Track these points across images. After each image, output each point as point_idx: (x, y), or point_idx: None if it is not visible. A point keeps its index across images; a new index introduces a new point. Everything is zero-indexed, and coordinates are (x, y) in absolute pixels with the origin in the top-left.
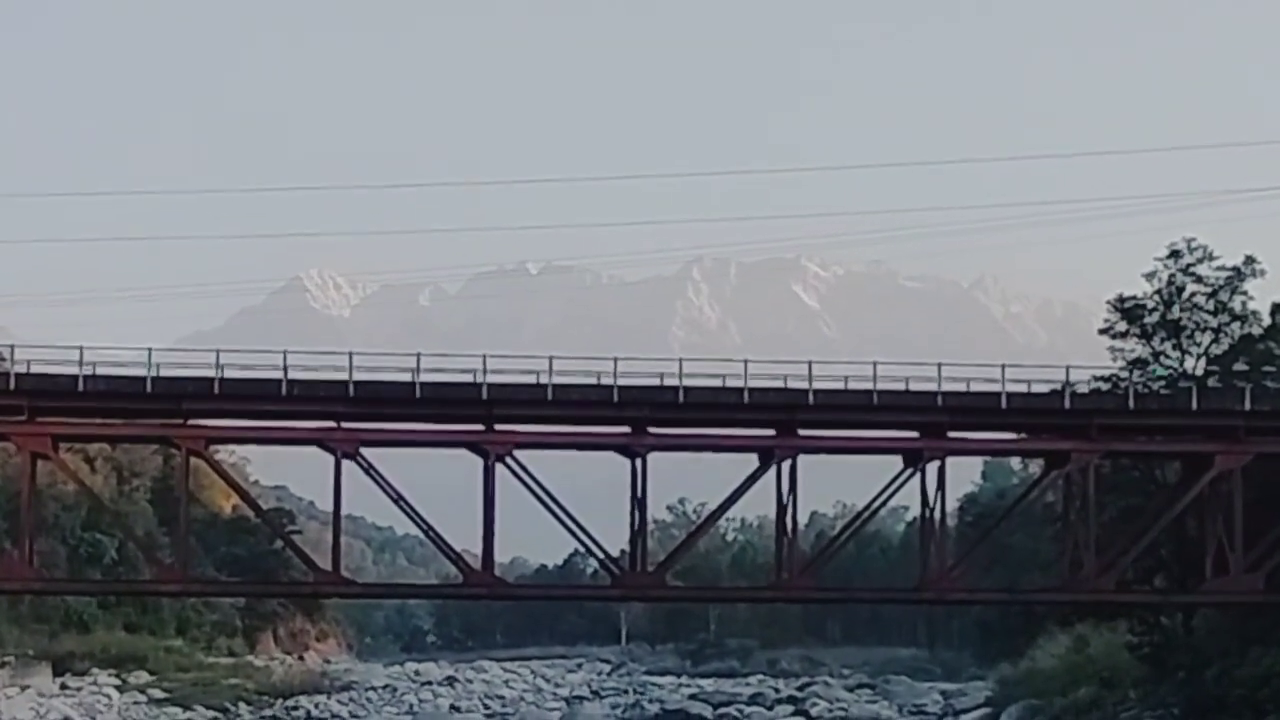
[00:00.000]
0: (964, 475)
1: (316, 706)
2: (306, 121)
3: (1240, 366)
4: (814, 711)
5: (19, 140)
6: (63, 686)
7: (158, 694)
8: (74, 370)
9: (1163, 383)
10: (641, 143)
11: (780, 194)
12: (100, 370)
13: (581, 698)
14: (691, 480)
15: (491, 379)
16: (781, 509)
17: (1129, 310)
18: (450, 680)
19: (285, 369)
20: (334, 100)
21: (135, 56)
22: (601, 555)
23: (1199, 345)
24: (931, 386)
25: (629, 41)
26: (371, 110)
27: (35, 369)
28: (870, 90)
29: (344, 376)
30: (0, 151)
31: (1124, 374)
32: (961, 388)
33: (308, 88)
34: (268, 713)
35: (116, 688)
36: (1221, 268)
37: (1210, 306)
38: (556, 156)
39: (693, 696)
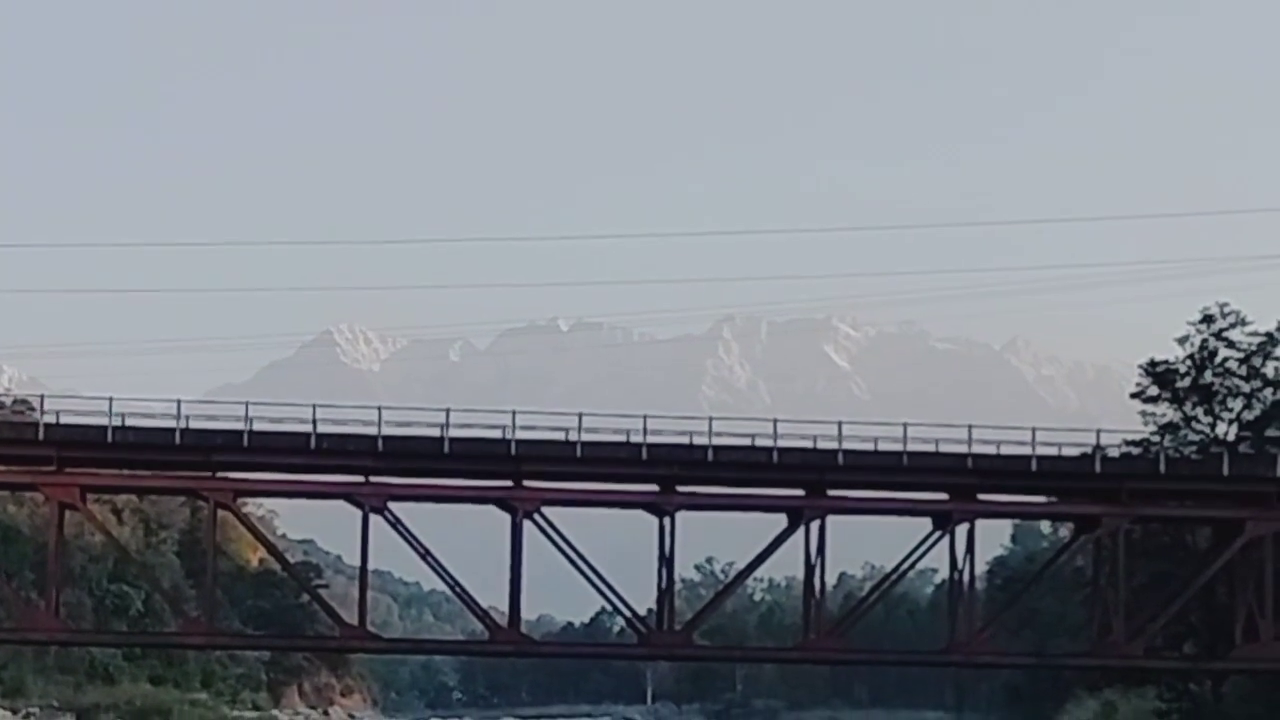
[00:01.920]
0: (993, 538)
1: None
2: (338, 176)
3: (1273, 432)
4: None
5: (48, 191)
6: None
7: None
8: (103, 421)
9: (1194, 448)
10: (673, 201)
11: (812, 253)
12: (129, 421)
13: None
14: (719, 539)
15: (520, 435)
16: (810, 569)
17: (1161, 375)
18: None
19: (314, 422)
20: (365, 155)
21: (165, 109)
22: (628, 613)
23: (1231, 410)
24: (962, 449)
25: (663, 99)
26: (402, 165)
27: (64, 420)
28: (902, 151)
29: (373, 431)
30: (29, 202)
31: (1155, 438)
32: (992, 450)
33: (340, 142)
34: None
35: None
36: (1254, 333)
37: (1243, 371)
38: (588, 214)
39: None
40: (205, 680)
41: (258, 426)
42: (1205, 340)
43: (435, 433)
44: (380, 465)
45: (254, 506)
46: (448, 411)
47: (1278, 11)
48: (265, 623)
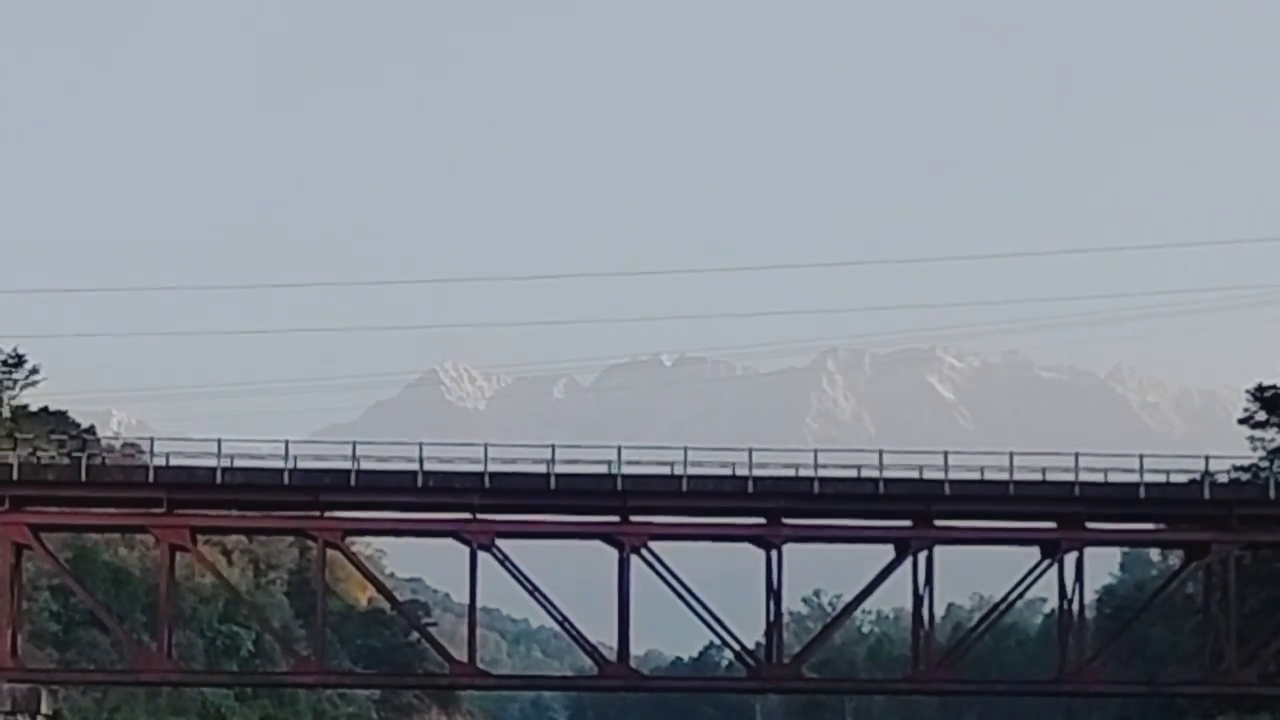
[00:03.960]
0: (1102, 566)
1: None
2: (440, 215)
3: None
4: None
5: (155, 234)
6: None
7: None
8: (212, 463)
9: None
10: (775, 234)
11: (914, 284)
12: (238, 463)
13: None
14: (827, 570)
15: (626, 470)
16: (918, 600)
17: (1269, 399)
18: None
19: (421, 461)
20: (467, 193)
21: (268, 154)
22: (737, 647)
23: None
24: (1068, 477)
25: (765, 132)
26: (504, 202)
27: (174, 462)
28: (1005, 180)
29: (479, 468)
30: (136, 246)
31: (1264, 463)
32: (1099, 478)
33: (443, 181)
34: None
35: None
36: None
37: None
38: (690, 247)
39: None
40: (316, 718)
41: (365, 465)
42: None
43: (541, 469)
44: (487, 502)
45: (362, 545)
46: (553, 448)
47: None
48: (375, 661)
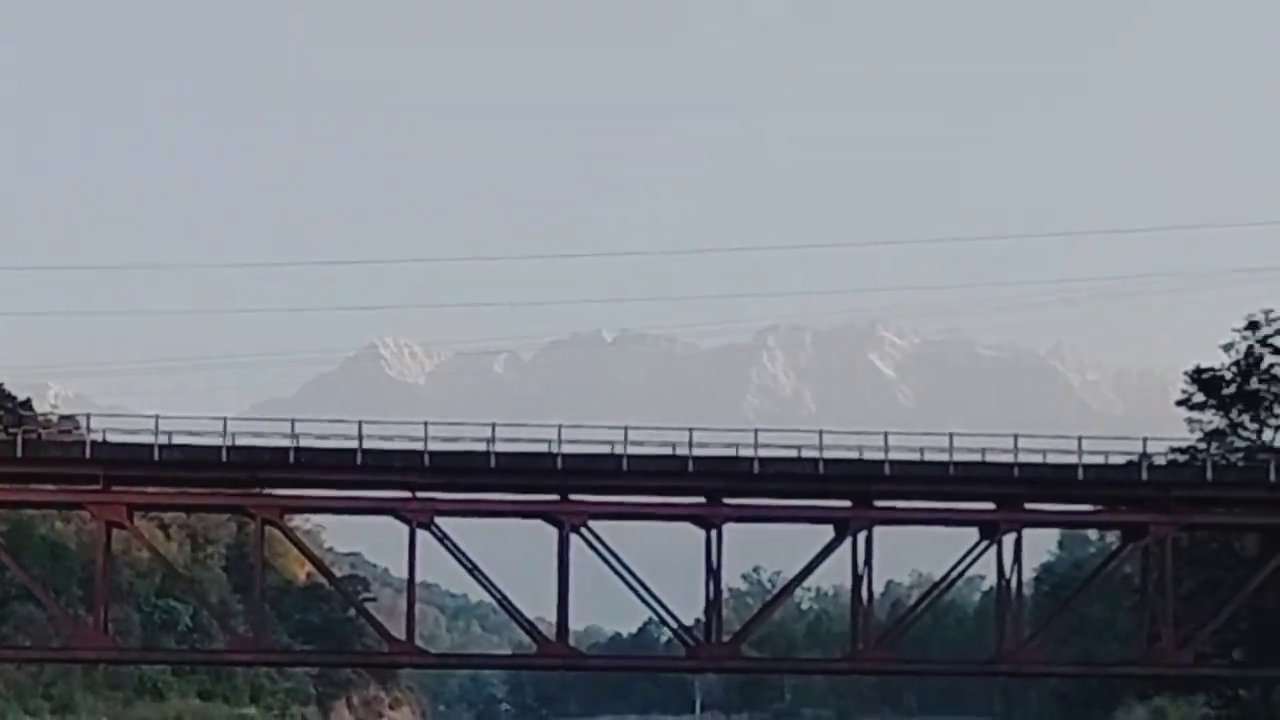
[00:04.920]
0: (1040, 545)
1: None
2: (381, 192)
3: None
4: None
5: (95, 213)
6: None
7: None
8: (149, 439)
9: (1240, 454)
10: (717, 211)
11: (856, 262)
12: (176, 439)
13: None
14: (766, 548)
15: (566, 449)
16: (857, 580)
17: (1206, 382)
18: None
19: (360, 438)
20: (409, 172)
21: (212, 132)
22: (676, 625)
23: (1277, 417)
24: (1008, 458)
25: (706, 111)
26: (444, 181)
27: (111, 438)
28: (948, 161)
29: (419, 446)
30: (78, 225)
31: (1202, 446)
32: (1038, 459)
33: (384, 159)
34: None
35: None
36: None
37: None
38: (632, 225)
39: None
40: (254, 695)
41: (304, 443)
42: (1251, 347)
43: (481, 447)
44: (427, 480)
45: (300, 520)
46: (494, 426)
47: None
48: (313, 636)
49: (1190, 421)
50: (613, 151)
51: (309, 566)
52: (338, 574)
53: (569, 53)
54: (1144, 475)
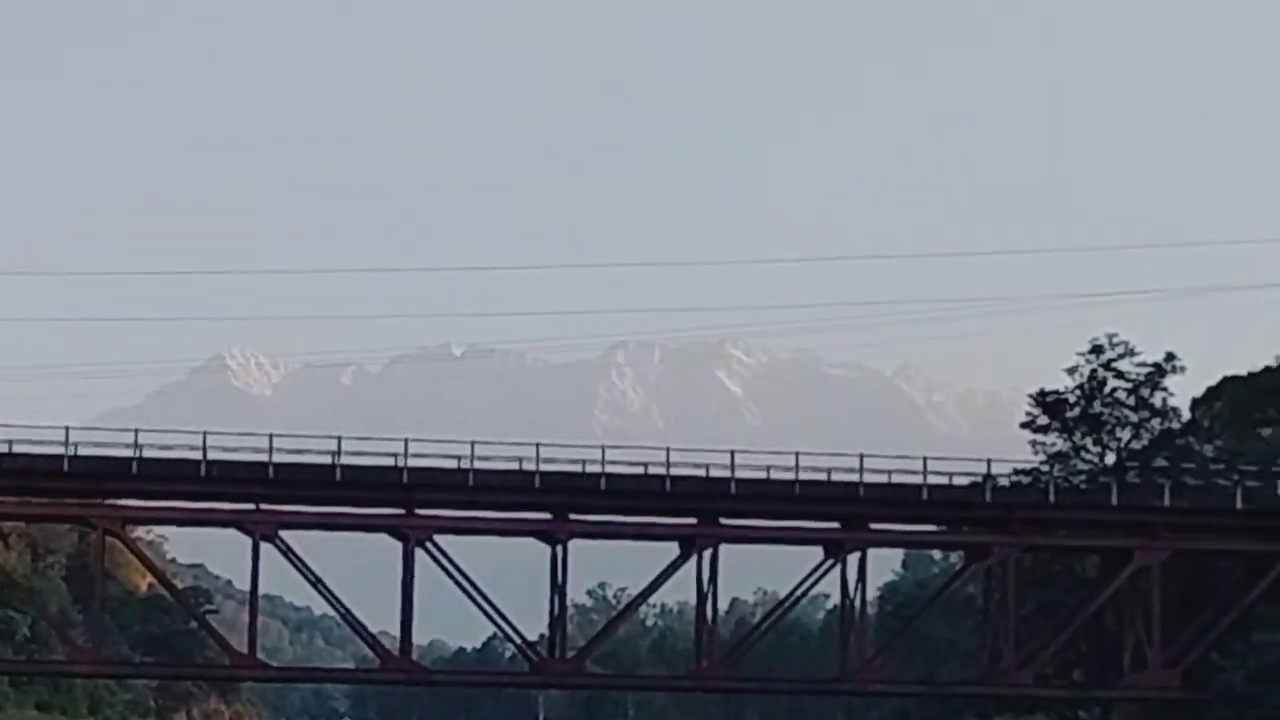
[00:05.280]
0: (885, 563)
1: None
2: (231, 202)
3: (1160, 462)
4: None
5: None
6: None
7: None
8: None
9: (1083, 477)
10: (568, 228)
11: (705, 281)
12: (17, 448)
13: None
14: (612, 564)
15: (413, 463)
16: (702, 597)
17: (1050, 404)
18: None
19: (205, 450)
20: (257, 181)
21: (58, 137)
22: (520, 641)
23: (1119, 440)
24: (853, 477)
25: (559, 126)
26: (295, 192)
27: None
28: (795, 182)
29: (264, 458)
30: None
31: (1045, 468)
32: (883, 479)
33: (233, 169)
34: None
35: None
36: (1142, 364)
37: (1131, 402)
38: (482, 240)
39: None
40: (92, 707)
41: (148, 454)
42: (1094, 370)
43: (327, 460)
44: (271, 493)
45: (143, 531)
46: (339, 439)
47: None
48: (154, 648)
49: (1034, 444)
50: (463, 165)
51: (151, 578)
52: (180, 586)
53: (423, 62)
54: (988, 496)
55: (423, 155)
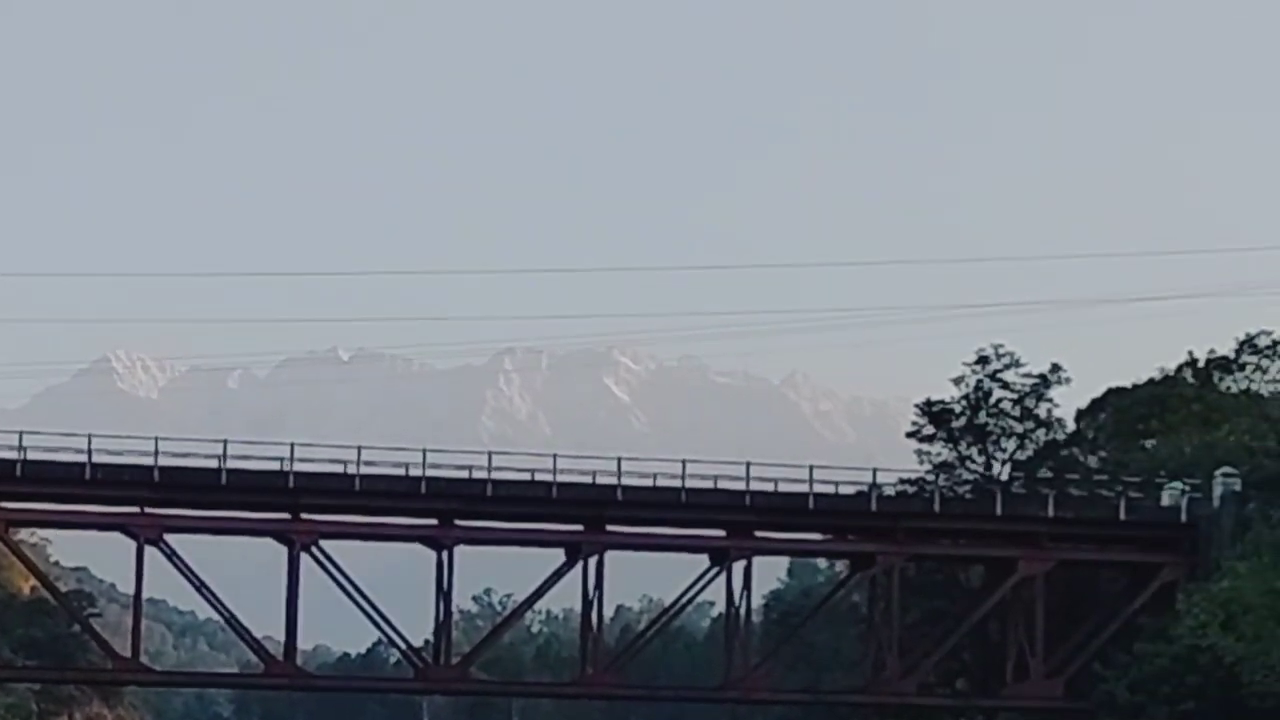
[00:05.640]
0: (770, 571)
1: None
2: (120, 204)
3: (1045, 473)
4: None
5: None
6: None
7: None
8: None
9: (968, 487)
10: (457, 234)
11: (593, 288)
12: None
13: None
14: (498, 570)
15: (299, 467)
16: (587, 604)
17: (936, 414)
18: None
19: (89, 452)
20: (147, 185)
21: None
22: (405, 647)
23: (1004, 450)
24: (740, 485)
25: (455, 131)
26: (184, 195)
27: None
28: (688, 191)
29: (149, 461)
30: None
31: (931, 477)
32: (769, 487)
33: (117, 168)
34: None
35: None
36: (1028, 375)
37: (1016, 412)
38: (371, 245)
39: None
40: None
41: (32, 456)
42: (980, 381)
43: (213, 464)
44: (156, 496)
45: (27, 534)
46: (225, 443)
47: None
48: (37, 652)
49: (920, 453)
50: (350, 169)
51: (34, 580)
52: (63, 589)
53: (316, 70)
54: (873, 505)
55: (313, 157)
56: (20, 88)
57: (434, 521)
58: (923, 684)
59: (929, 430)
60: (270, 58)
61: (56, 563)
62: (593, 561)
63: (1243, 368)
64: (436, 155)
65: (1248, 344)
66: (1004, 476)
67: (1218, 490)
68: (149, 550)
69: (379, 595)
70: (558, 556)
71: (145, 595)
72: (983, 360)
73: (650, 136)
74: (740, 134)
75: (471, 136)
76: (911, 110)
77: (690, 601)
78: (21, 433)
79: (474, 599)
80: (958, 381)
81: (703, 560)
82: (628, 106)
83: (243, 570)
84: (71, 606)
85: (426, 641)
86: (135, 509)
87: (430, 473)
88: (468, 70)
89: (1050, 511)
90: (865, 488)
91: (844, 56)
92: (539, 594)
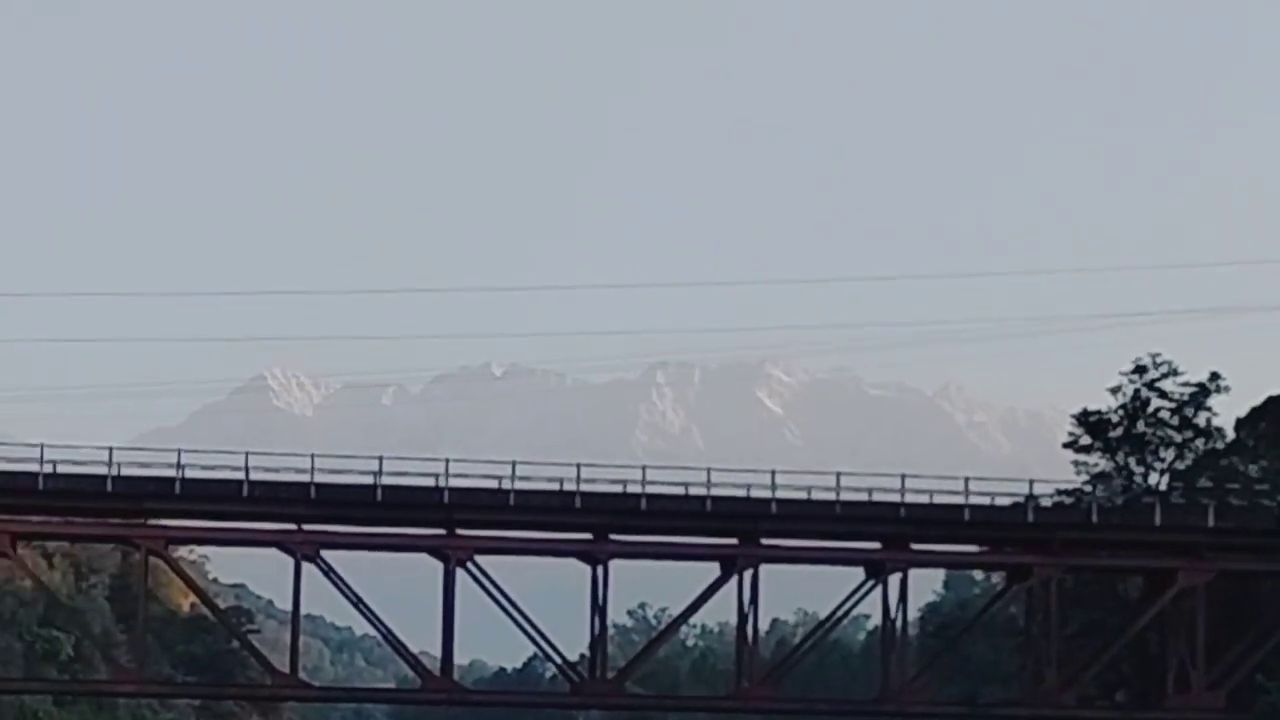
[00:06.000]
0: (926, 584)
1: None
2: (273, 222)
3: (1204, 483)
4: None
5: None
6: None
7: None
8: (34, 468)
9: (1126, 497)
10: (608, 247)
11: (745, 300)
12: (61, 469)
13: None
14: (653, 584)
15: (454, 483)
16: (743, 618)
17: (1093, 424)
18: None
19: (247, 470)
20: (301, 204)
21: (110, 157)
22: (560, 661)
23: (1163, 460)
24: (895, 497)
25: (598, 147)
26: (337, 213)
27: None
28: (839, 201)
29: (306, 478)
30: None
31: (1087, 488)
32: (925, 499)
33: (275, 189)
34: None
35: None
36: (1186, 383)
37: (1174, 422)
38: (524, 261)
39: None
40: None
41: (190, 474)
42: (1138, 390)
43: (368, 480)
44: (313, 513)
45: (185, 551)
46: (380, 459)
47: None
48: (197, 668)
49: (1076, 464)
50: (503, 188)
51: (193, 597)
52: (222, 605)
53: (456, 83)
54: (1030, 517)
55: (467, 175)
56: (176, 112)
57: (588, 536)
58: (1082, 696)
59: (1086, 441)
60: (416, 69)
61: (215, 580)
62: (747, 575)
63: None
64: (589, 170)
65: None
66: (1162, 487)
67: None
68: (306, 566)
69: (534, 610)
70: (712, 570)
71: (303, 611)
72: (1140, 369)
73: (800, 149)
74: (892, 145)
75: (628, 150)
76: (1063, 121)
77: (846, 615)
78: (180, 450)
79: (629, 613)
80: (1114, 391)
81: (858, 573)
82: (774, 120)
83: (398, 586)
84: (230, 623)
85: (582, 656)
86: (292, 526)
87: (584, 487)
88: (625, 80)
89: (1210, 522)
90: (1021, 499)
91: (985, 61)
92: (694, 608)
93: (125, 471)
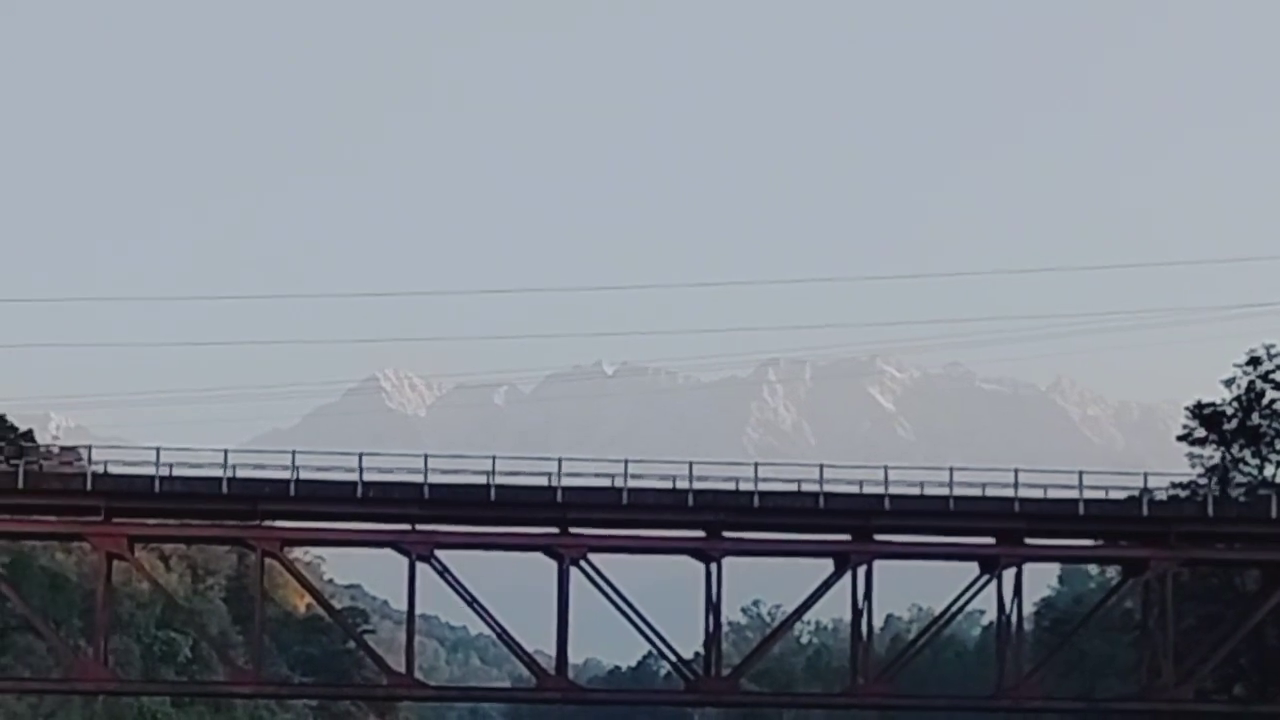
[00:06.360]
0: (1040, 579)
1: None
2: (384, 225)
3: None
4: None
5: (97, 244)
6: None
7: None
8: (150, 471)
9: (1241, 490)
10: (718, 245)
11: (856, 297)
12: (177, 471)
13: None
14: (766, 581)
15: (566, 482)
16: (857, 614)
17: (1208, 417)
18: None
19: (360, 471)
20: (414, 206)
21: (220, 169)
22: (675, 659)
23: (1278, 452)
24: (1008, 492)
25: (707, 148)
26: (449, 214)
27: (112, 470)
28: (948, 197)
29: (419, 479)
30: (80, 256)
31: (1202, 480)
32: (1038, 494)
33: (387, 192)
34: None
35: None
36: None
37: None
38: (633, 258)
39: None
40: None
41: (304, 475)
42: (1252, 382)
43: (481, 480)
44: (427, 513)
45: (300, 552)
46: (494, 459)
47: None
48: (313, 668)
49: (1191, 456)
50: (616, 185)
51: (309, 598)
52: (337, 606)
53: (576, 85)
54: (1145, 510)
55: (577, 174)
56: (288, 118)
57: (702, 533)
58: (1199, 690)
59: (1200, 433)
60: (540, 80)
61: (330, 580)
62: (861, 571)
63: None
64: (694, 171)
65: None
66: (1278, 479)
67: None
68: (420, 566)
69: (648, 608)
70: (826, 567)
71: (418, 611)
72: (1254, 361)
73: (911, 142)
74: (1000, 139)
75: (731, 150)
76: (1167, 109)
77: (961, 610)
78: (294, 452)
79: (743, 610)
80: (1229, 383)
81: (972, 568)
82: (885, 112)
83: (512, 585)
84: (346, 623)
85: (696, 654)
86: (406, 526)
87: (697, 485)
88: (727, 83)
89: None
90: (1136, 493)
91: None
92: (808, 605)
93: (240, 473)
